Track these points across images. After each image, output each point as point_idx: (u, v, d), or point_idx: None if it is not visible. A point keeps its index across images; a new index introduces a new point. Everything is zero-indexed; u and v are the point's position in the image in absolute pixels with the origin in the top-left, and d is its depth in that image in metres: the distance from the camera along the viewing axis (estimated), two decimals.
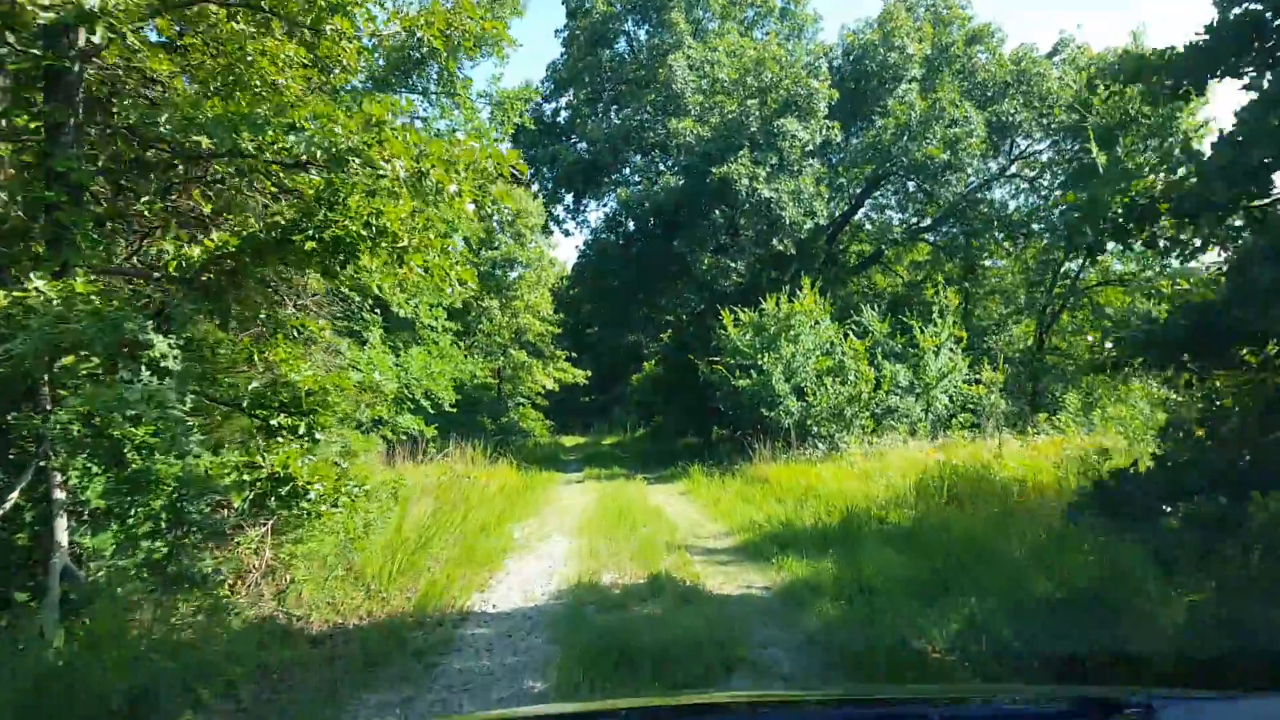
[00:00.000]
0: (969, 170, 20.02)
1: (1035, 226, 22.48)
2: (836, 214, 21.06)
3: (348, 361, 8.95)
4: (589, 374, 38.42)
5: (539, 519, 10.69)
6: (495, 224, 33.90)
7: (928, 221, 23.90)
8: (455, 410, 10.44)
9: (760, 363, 15.66)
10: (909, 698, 2.26)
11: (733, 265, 19.46)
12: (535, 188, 23.88)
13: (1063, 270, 22.38)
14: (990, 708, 1.97)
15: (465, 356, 10.80)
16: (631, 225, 21.58)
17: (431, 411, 11.83)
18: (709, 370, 16.81)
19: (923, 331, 16.13)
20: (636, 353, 41.55)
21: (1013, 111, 20.63)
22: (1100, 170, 18.66)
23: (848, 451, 13.63)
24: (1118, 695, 1.84)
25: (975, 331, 23.28)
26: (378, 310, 9.75)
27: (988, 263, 25.29)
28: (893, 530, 8.11)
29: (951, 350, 16.35)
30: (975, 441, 14.96)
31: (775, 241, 18.99)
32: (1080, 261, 21.82)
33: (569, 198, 22.73)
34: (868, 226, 24.58)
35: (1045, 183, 22.86)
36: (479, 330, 32.47)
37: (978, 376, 16.39)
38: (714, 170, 17.64)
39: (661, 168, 21.01)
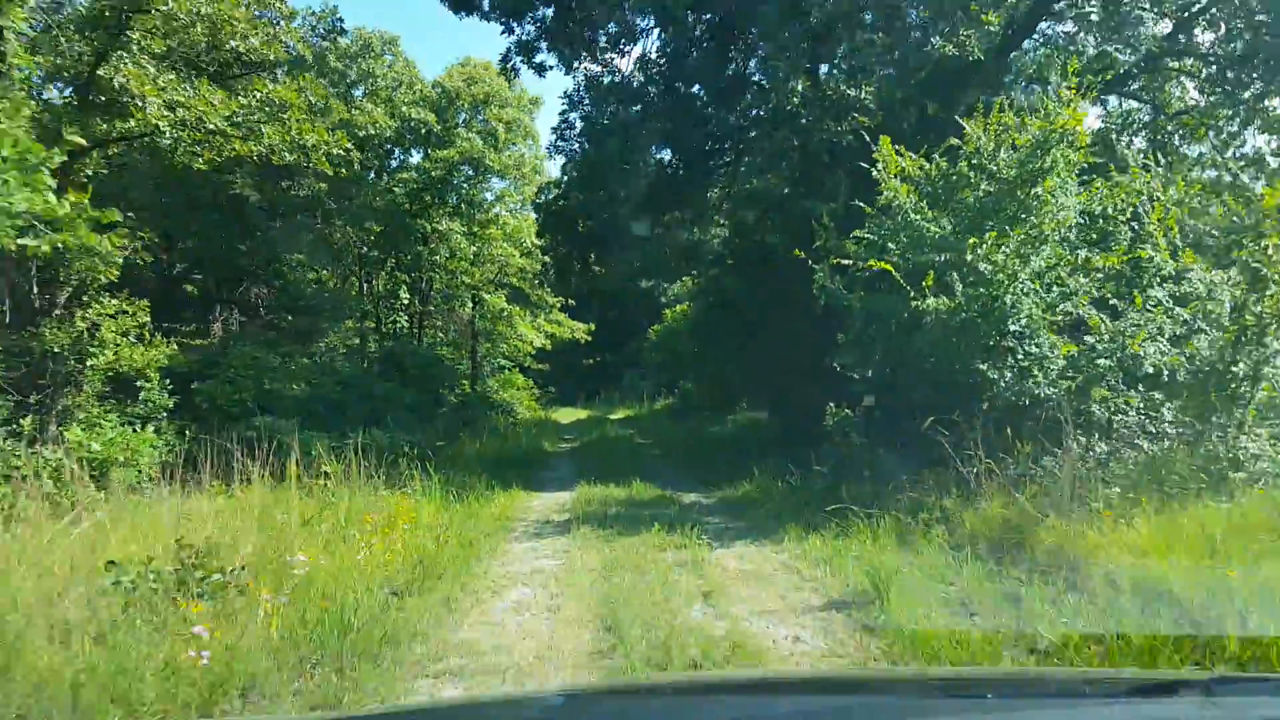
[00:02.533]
0: None
1: None
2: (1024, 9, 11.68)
3: None
4: (591, 328, 29.50)
5: None
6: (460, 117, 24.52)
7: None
8: None
9: (973, 260, 6.69)
10: (961, 678, 2.20)
11: (851, 94, 10.24)
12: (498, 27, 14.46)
13: None
14: (1046, 688, 1.79)
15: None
16: (657, 41, 12.18)
17: None
18: (832, 282, 7.81)
19: None
20: (654, 300, 32.45)
21: None
22: None
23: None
24: (1176, 676, 2.04)
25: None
26: None
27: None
28: None
29: None
30: None
31: (938, 39, 9.78)
32: None
33: (550, 14, 13.10)
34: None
35: None
36: (433, 262, 23.36)
37: None
38: None
39: None
